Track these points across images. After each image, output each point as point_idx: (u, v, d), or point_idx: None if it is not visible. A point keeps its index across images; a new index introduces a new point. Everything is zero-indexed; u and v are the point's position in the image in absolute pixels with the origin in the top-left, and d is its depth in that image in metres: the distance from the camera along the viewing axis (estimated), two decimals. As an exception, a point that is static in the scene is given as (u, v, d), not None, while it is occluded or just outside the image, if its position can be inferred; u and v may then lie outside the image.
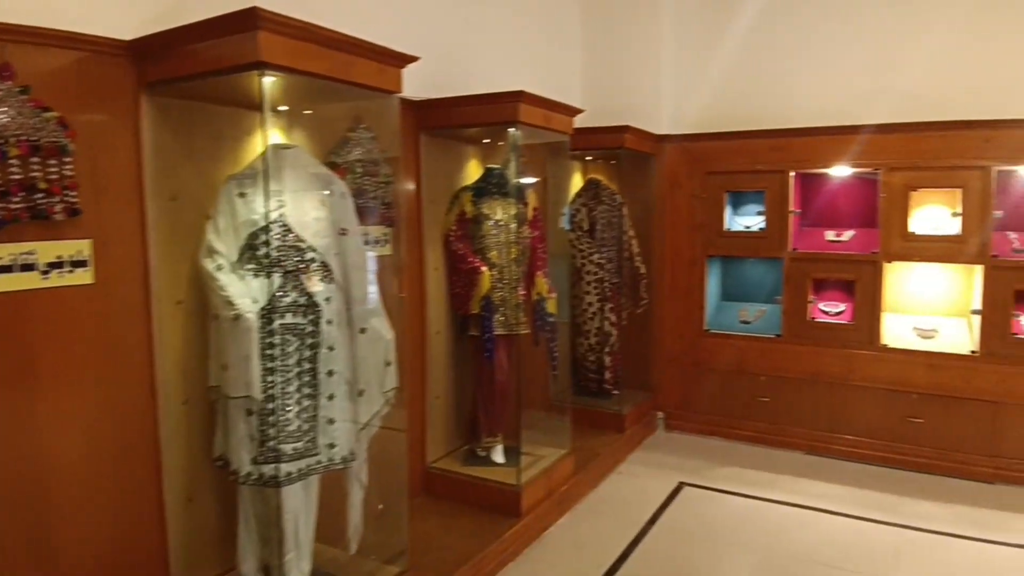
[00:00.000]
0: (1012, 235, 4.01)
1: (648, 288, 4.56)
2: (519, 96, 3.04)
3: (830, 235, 4.38)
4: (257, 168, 2.26)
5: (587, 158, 4.62)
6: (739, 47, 4.84)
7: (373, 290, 2.49)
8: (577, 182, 4.63)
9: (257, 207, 2.21)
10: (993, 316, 3.85)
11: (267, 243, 2.19)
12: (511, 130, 3.20)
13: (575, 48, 4.80)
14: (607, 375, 4.46)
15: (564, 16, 4.69)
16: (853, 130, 4.08)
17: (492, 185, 3.47)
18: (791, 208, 4.27)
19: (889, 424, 4.11)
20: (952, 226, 3.96)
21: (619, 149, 4.14)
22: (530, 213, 3.51)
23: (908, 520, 3.44)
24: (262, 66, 1.91)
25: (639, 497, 3.66)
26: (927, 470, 4.01)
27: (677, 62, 4.88)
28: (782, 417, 4.41)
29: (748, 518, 3.47)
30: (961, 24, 4.44)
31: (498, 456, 3.50)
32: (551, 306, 3.48)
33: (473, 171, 3.66)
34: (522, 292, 3.43)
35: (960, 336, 4.09)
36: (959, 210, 3.91)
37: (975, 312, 3.93)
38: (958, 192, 3.92)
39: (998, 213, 3.84)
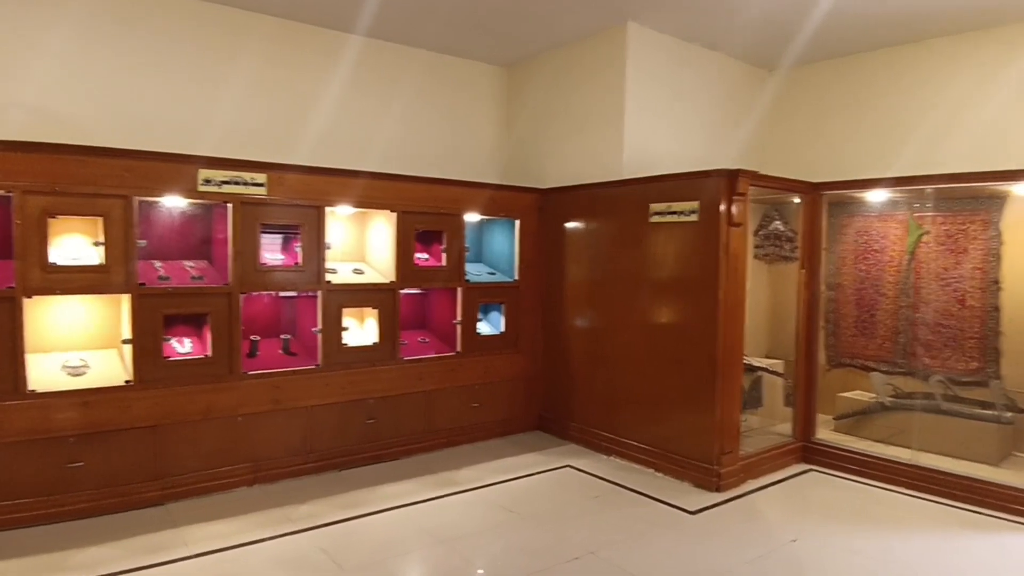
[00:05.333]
0: (158, 263, 4.25)
1: None
2: None
3: (-54, 267, 3.55)
4: None
5: None
6: None
7: None
8: None
9: None
10: (144, 342, 3.94)
11: None
12: None
13: None
14: None
15: None
16: (-29, 143, 3.45)
17: None
18: None
19: (46, 477, 3.63)
20: (95, 256, 3.86)
21: None
22: None
23: (75, 574, 3.11)
24: None
25: None
26: (94, 513, 3.75)
27: None
28: None
29: None
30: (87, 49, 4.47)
31: None
32: None
33: None
34: None
35: (113, 368, 4.03)
36: (101, 239, 3.84)
37: (126, 341, 3.95)
38: (100, 221, 3.84)
39: (142, 242, 3.97)
